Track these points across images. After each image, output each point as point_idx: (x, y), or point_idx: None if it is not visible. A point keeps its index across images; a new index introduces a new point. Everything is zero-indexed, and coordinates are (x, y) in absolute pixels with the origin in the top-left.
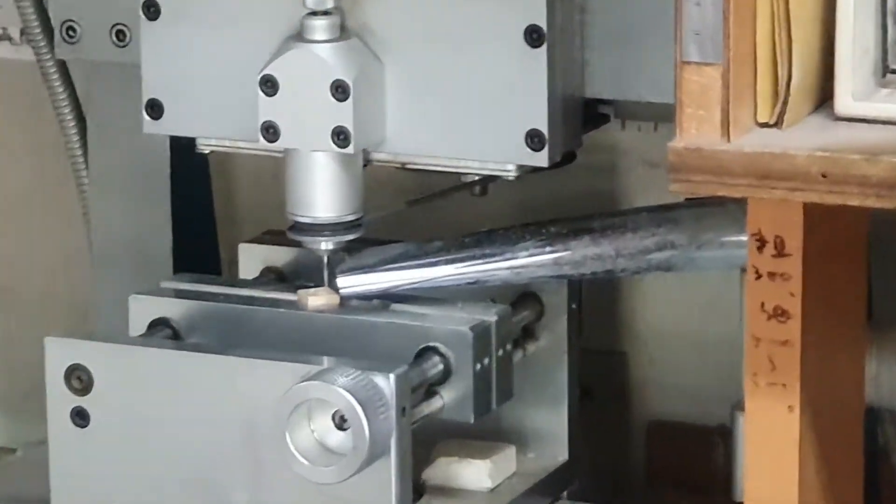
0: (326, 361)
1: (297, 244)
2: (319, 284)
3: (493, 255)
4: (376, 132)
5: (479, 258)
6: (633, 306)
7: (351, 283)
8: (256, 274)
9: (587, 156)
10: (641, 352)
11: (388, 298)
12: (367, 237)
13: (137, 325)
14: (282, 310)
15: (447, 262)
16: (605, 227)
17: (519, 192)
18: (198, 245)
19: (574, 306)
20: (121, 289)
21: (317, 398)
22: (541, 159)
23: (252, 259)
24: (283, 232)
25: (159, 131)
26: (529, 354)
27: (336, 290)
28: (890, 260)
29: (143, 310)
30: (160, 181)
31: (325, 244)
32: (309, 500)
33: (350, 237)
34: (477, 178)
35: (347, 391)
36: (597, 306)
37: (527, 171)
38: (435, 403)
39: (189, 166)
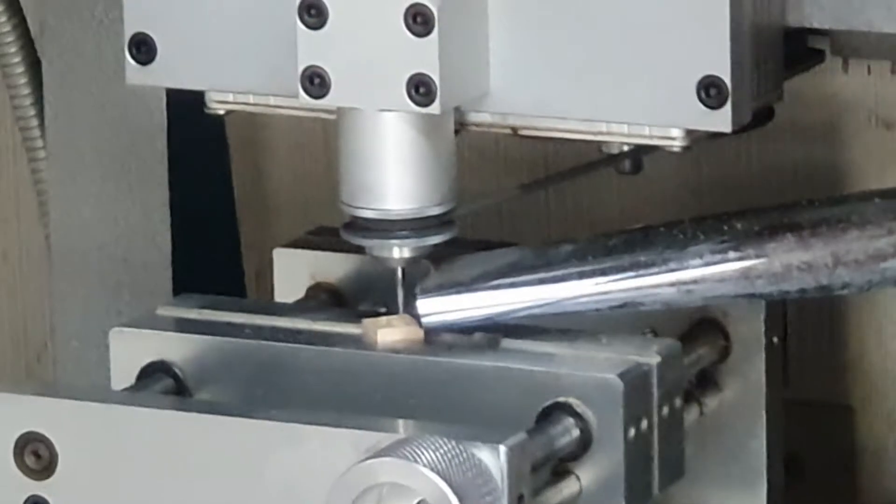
0: (404, 427)
1: (359, 250)
2: (393, 310)
3: (652, 265)
4: (474, 82)
5: (630, 269)
6: (863, 339)
7: (439, 308)
8: (300, 294)
9: (792, 113)
10: (877, 407)
11: (494, 331)
12: (463, 239)
13: (122, 373)
14: (338, 349)
15: (582, 276)
16: (818, 221)
17: (688, 169)
18: (211, 251)
19: (776, 340)
20: (94, 317)
21: (391, 482)
22: (721, 120)
23: (293, 271)
24: (338, 231)
25: (150, 82)
26: (709, 413)
27: (417, 318)
28: None
29: (130, 349)
30: (153, 157)
31: (400, 251)
32: None
33: (437, 240)
34: (626, 149)
35: (436, 472)
36: (808, 340)
37: (700, 139)
38: (568, 488)
39: (196, 135)
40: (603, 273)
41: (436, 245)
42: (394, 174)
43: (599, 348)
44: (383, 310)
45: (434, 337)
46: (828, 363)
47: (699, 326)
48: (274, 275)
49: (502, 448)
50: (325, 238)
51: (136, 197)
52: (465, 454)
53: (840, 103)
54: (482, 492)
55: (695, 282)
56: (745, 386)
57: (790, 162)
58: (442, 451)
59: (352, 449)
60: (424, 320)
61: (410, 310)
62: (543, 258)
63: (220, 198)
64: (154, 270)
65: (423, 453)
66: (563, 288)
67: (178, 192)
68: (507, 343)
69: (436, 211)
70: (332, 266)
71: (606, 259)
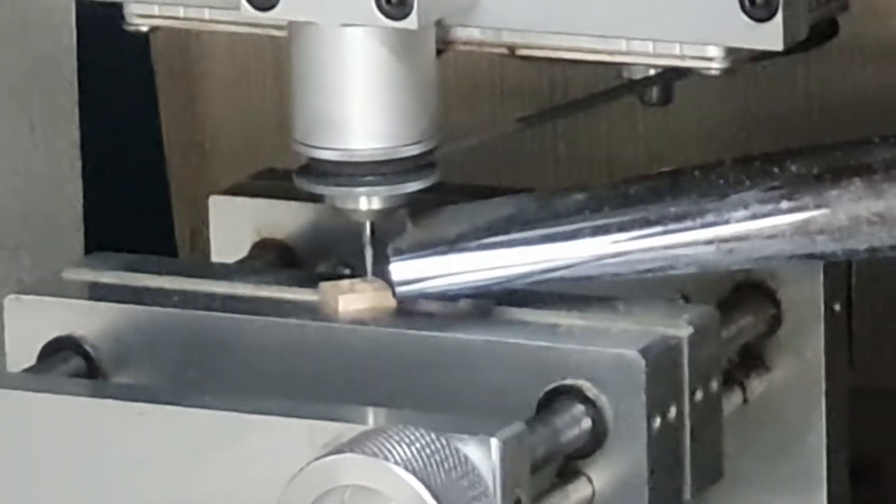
0: (371, 416)
1: (316, 198)
2: (359, 273)
3: (685, 218)
4: None
5: (656, 223)
6: None
7: (417, 274)
8: (243, 252)
9: (860, 28)
10: None
11: (485, 298)
12: (448, 184)
13: (20, 350)
14: (289, 320)
15: (597, 232)
16: (892, 162)
17: (730, 98)
18: (134, 205)
19: (837, 308)
20: None
21: (355, 484)
22: (771, 36)
23: (233, 224)
24: (290, 174)
25: None
26: (755, 399)
27: (390, 283)
28: None
29: (29, 321)
30: (60, 87)
31: (368, 201)
32: None
33: (414, 187)
34: (652, 73)
35: (410, 471)
36: (879, 310)
37: (745, 60)
38: (577, 493)
39: (114, 60)
40: (622, 228)
41: (413, 194)
42: (360, 106)
43: (615, 318)
44: (346, 272)
45: (409, 304)
46: None
47: (742, 291)
48: (210, 228)
49: (494, 442)
50: (272, 183)
51: (38, 137)
52: (447, 449)
53: None
54: (469, 496)
55: (738, 238)
56: (800, 365)
57: (858, 89)
58: (418, 445)
59: (307, 443)
60: (399, 289)
61: (381, 275)
62: (548, 210)
63: (145, 138)
64: (62, 229)
65: (395, 448)
66: (572, 247)
67: (91, 132)
68: (501, 312)
69: (413, 151)
70: (282, 217)
71: (627, 210)
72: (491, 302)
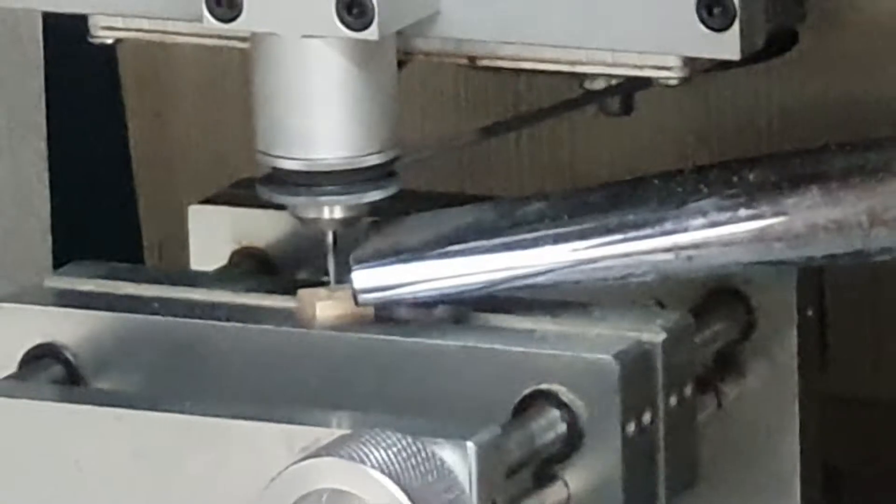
0: (348, 420)
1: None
2: (339, 279)
3: (644, 226)
4: (420, 2)
5: (615, 231)
6: None
7: (379, 282)
8: (222, 260)
9: (819, 38)
10: None
11: (461, 304)
12: (411, 192)
13: (2, 357)
14: (267, 326)
15: (557, 240)
16: (850, 169)
17: (690, 108)
18: (101, 217)
19: (810, 313)
20: None
21: (332, 488)
22: (728, 46)
23: (212, 233)
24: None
25: (21, 4)
26: (729, 404)
27: (354, 292)
28: None
29: (10, 329)
30: (27, 100)
31: (331, 210)
32: None
33: (375, 196)
34: (613, 83)
35: (387, 475)
36: (850, 318)
37: (704, 70)
38: (553, 496)
39: (81, 72)
40: (582, 236)
41: (375, 203)
42: (321, 116)
43: (590, 323)
44: (326, 279)
45: (386, 311)
46: (874, 349)
47: (715, 296)
48: (189, 237)
49: (470, 445)
50: (251, 192)
51: (5, 149)
52: (424, 453)
53: (880, 26)
54: (445, 500)
55: (696, 246)
56: (773, 370)
57: (817, 99)
58: (395, 449)
59: (285, 448)
60: (361, 297)
61: (346, 281)
62: (509, 218)
63: (112, 150)
64: (29, 240)
65: (371, 452)
66: (533, 255)
67: (58, 144)
68: (477, 318)
69: (374, 160)
70: (261, 226)
71: (586, 218)
72: (467, 308)
